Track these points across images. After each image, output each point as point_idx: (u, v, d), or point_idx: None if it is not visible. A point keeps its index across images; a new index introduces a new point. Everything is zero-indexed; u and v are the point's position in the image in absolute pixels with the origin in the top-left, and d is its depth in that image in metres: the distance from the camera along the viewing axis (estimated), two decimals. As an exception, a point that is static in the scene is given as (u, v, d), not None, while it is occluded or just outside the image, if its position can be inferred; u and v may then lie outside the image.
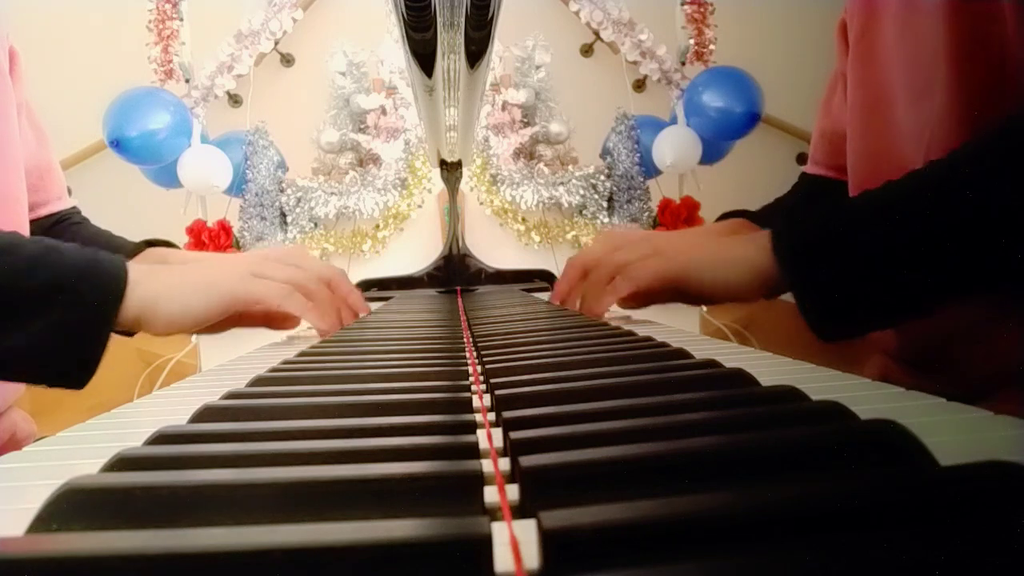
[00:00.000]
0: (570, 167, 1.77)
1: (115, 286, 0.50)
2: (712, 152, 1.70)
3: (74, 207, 0.81)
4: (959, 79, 0.52)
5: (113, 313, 0.49)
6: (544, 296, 0.96)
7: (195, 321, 0.54)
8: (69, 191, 0.85)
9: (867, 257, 0.47)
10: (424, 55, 0.53)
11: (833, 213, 0.51)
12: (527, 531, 0.16)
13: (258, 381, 0.36)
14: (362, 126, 1.74)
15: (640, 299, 0.63)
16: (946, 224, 0.45)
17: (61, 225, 0.77)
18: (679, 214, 1.72)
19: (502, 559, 0.15)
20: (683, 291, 0.57)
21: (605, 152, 1.78)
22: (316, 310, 0.59)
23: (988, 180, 0.45)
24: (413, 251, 1.67)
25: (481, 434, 0.24)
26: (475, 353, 0.44)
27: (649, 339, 0.43)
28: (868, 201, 0.51)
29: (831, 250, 0.49)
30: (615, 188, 1.74)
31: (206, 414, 0.28)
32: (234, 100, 1.85)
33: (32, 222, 0.72)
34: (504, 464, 0.21)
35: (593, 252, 0.65)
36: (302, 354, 0.47)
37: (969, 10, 0.51)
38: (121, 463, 0.21)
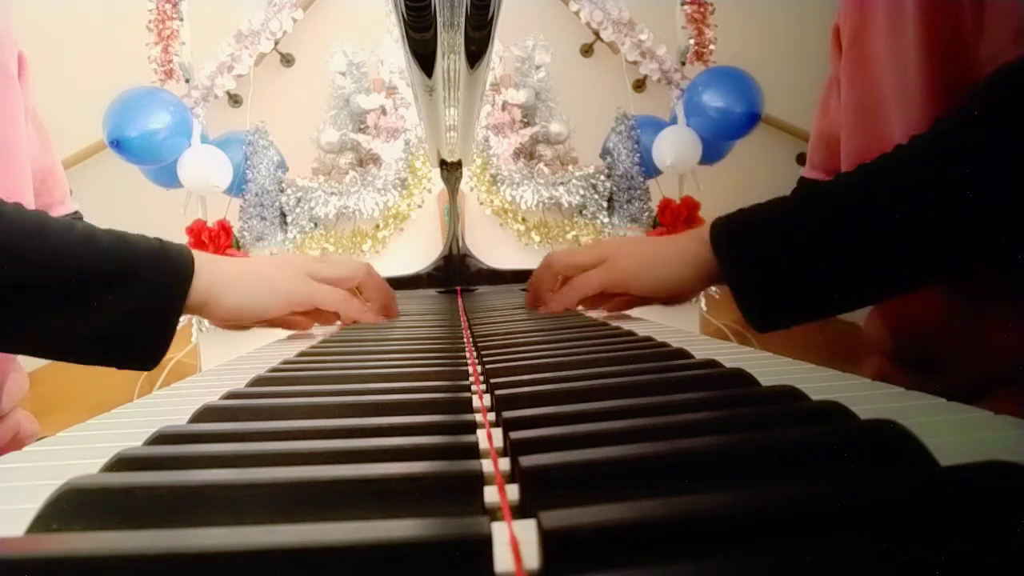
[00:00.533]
0: (570, 167, 1.77)
1: (183, 272, 0.52)
2: (712, 152, 1.70)
3: (76, 211, 0.80)
4: (933, 85, 0.53)
5: (182, 298, 0.51)
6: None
7: (254, 314, 0.57)
8: (69, 192, 0.85)
9: (802, 247, 0.49)
10: (424, 55, 0.53)
11: (772, 204, 0.53)
12: (527, 531, 0.16)
13: (258, 381, 0.36)
14: (362, 126, 1.74)
15: (610, 306, 0.66)
16: (876, 218, 0.47)
17: None
18: (679, 214, 1.71)
19: (502, 559, 0.15)
20: (635, 295, 0.61)
21: (605, 152, 1.78)
22: (370, 313, 0.63)
23: (916, 180, 0.46)
24: (413, 251, 1.67)
25: (481, 434, 0.24)
26: (475, 353, 0.44)
27: (649, 339, 0.43)
28: (807, 193, 0.53)
29: (766, 239, 0.50)
30: (615, 188, 1.74)
31: (206, 414, 0.28)
32: (234, 100, 1.85)
33: None
34: (504, 464, 0.21)
35: (548, 258, 0.69)
36: (302, 354, 0.47)
37: (937, 16, 0.52)
38: (121, 463, 0.21)
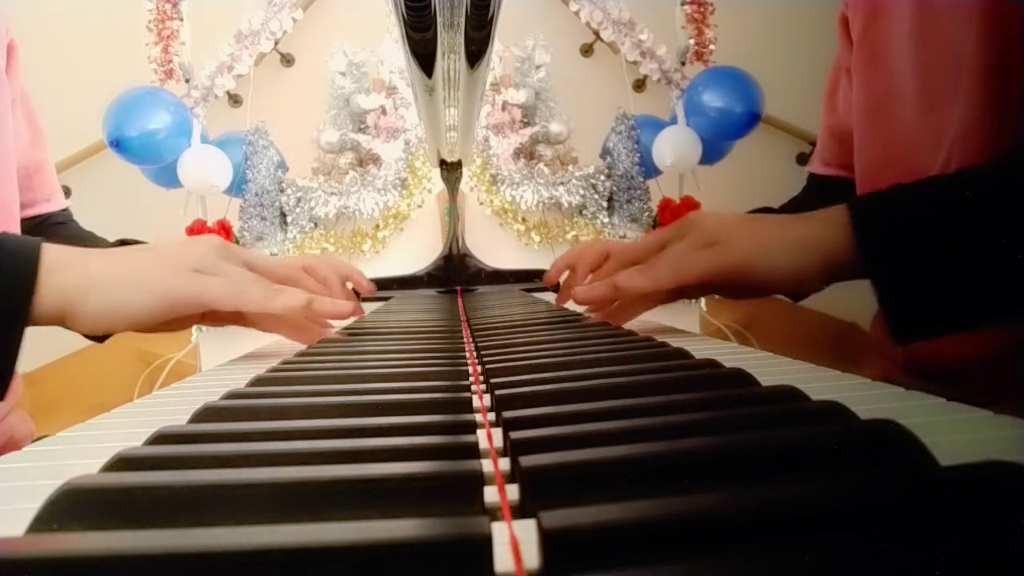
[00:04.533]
0: (570, 167, 1.77)
1: (24, 272, 0.42)
2: (712, 152, 1.70)
3: (64, 209, 0.79)
4: (990, 88, 0.49)
5: (24, 305, 0.42)
6: (544, 296, 0.96)
7: (128, 322, 0.47)
8: (68, 192, 0.84)
9: (963, 240, 0.40)
10: (424, 55, 0.53)
11: (923, 187, 0.44)
12: (527, 531, 0.16)
13: (258, 381, 0.36)
14: (362, 126, 1.74)
15: (669, 294, 0.55)
16: None
17: (41, 227, 0.75)
18: (679, 214, 1.71)
19: (502, 559, 0.15)
20: (736, 283, 0.50)
21: (605, 152, 1.78)
22: (281, 296, 0.49)
23: None
24: (413, 251, 1.67)
25: (481, 434, 0.24)
26: (475, 353, 0.44)
27: (649, 339, 0.43)
28: (967, 177, 0.44)
29: (921, 228, 0.41)
30: (615, 188, 1.74)
31: (206, 414, 0.28)
32: (234, 100, 1.85)
33: None
34: (504, 464, 0.21)
35: (619, 243, 0.56)
36: (302, 354, 0.47)
37: (1002, 17, 0.48)
38: (121, 463, 0.21)
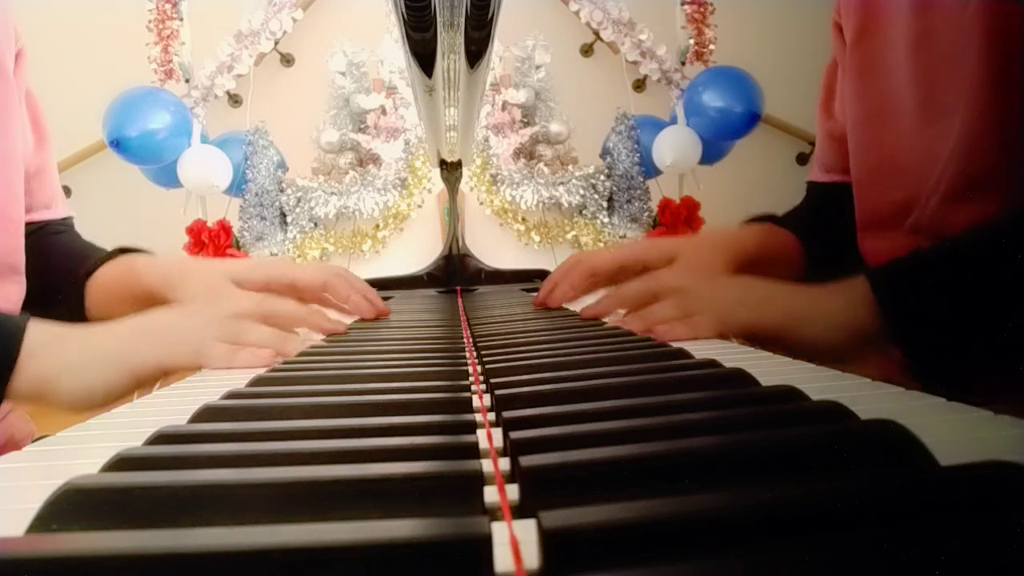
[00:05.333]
0: (570, 167, 1.77)
1: (3, 357, 0.44)
2: (712, 152, 1.70)
3: (66, 218, 0.78)
4: (990, 98, 0.49)
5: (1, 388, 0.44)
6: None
7: (100, 397, 0.48)
8: (69, 192, 0.82)
9: (983, 296, 0.43)
10: (424, 55, 0.53)
11: (938, 257, 0.47)
12: (527, 531, 0.16)
13: (258, 381, 0.36)
14: (362, 126, 1.74)
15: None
16: None
17: (39, 234, 0.73)
18: (679, 214, 1.72)
19: (502, 559, 0.15)
20: (768, 341, 0.52)
21: (605, 152, 1.78)
22: (242, 353, 0.49)
23: None
24: (413, 251, 1.67)
25: (481, 434, 0.24)
26: (475, 353, 0.44)
27: (649, 339, 0.43)
28: (976, 241, 0.47)
29: (942, 299, 0.44)
30: (615, 188, 1.74)
31: (206, 414, 0.28)
32: (234, 100, 1.85)
33: None
34: (504, 464, 0.21)
35: (659, 275, 0.56)
36: (302, 354, 0.47)
37: (1003, 25, 0.48)
38: (121, 463, 0.21)
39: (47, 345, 0.47)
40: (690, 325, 0.51)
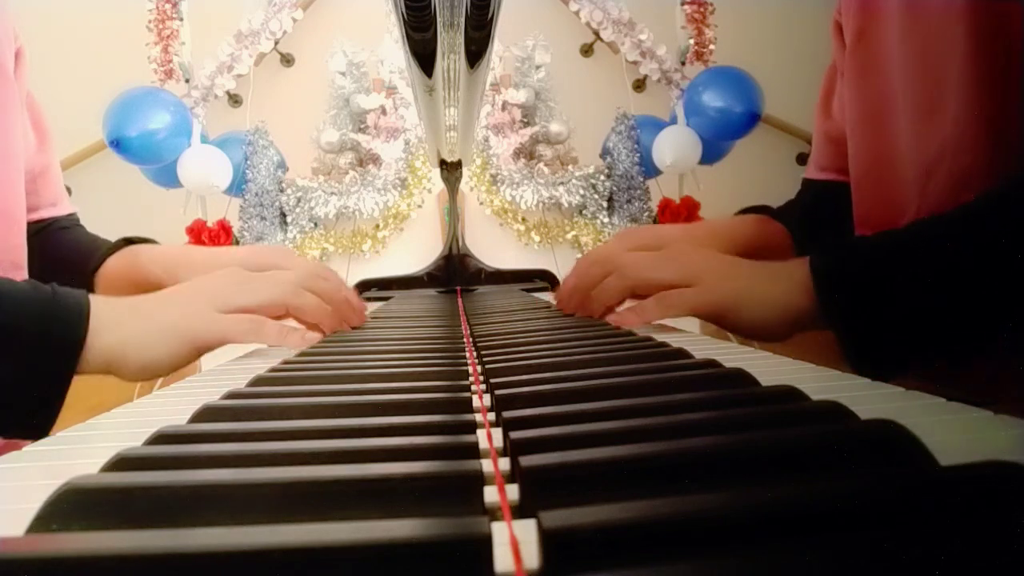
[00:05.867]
0: (570, 167, 1.77)
1: (73, 337, 0.46)
2: (712, 152, 1.70)
3: (71, 214, 0.78)
4: (978, 94, 0.50)
5: (71, 365, 0.46)
6: (544, 296, 0.96)
7: (166, 368, 0.51)
8: (69, 192, 0.83)
9: (917, 296, 0.44)
10: (424, 55, 0.53)
11: (877, 248, 0.48)
12: (527, 531, 0.16)
13: (258, 381, 0.36)
14: (362, 126, 1.74)
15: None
16: (998, 261, 0.42)
17: (47, 231, 0.74)
18: (679, 214, 1.72)
19: (502, 559, 0.15)
20: (715, 321, 0.54)
21: (605, 152, 1.78)
22: (293, 334, 0.54)
23: None
24: (413, 251, 1.67)
25: (481, 434, 0.24)
26: (475, 353, 0.44)
27: (649, 339, 0.43)
28: (916, 234, 0.48)
29: (878, 289, 0.45)
30: (615, 188, 1.74)
31: (206, 414, 0.28)
32: (234, 100, 1.85)
33: None
34: (504, 464, 0.21)
35: (618, 257, 0.59)
36: (302, 354, 0.47)
37: (992, 20, 0.49)
38: (121, 463, 0.21)
39: (113, 321, 0.48)
40: (639, 314, 0.54)
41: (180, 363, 0.52)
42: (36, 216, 0.75)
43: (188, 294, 0.54)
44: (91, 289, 0.68)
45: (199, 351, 0.52)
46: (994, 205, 0.45)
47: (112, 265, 0.69)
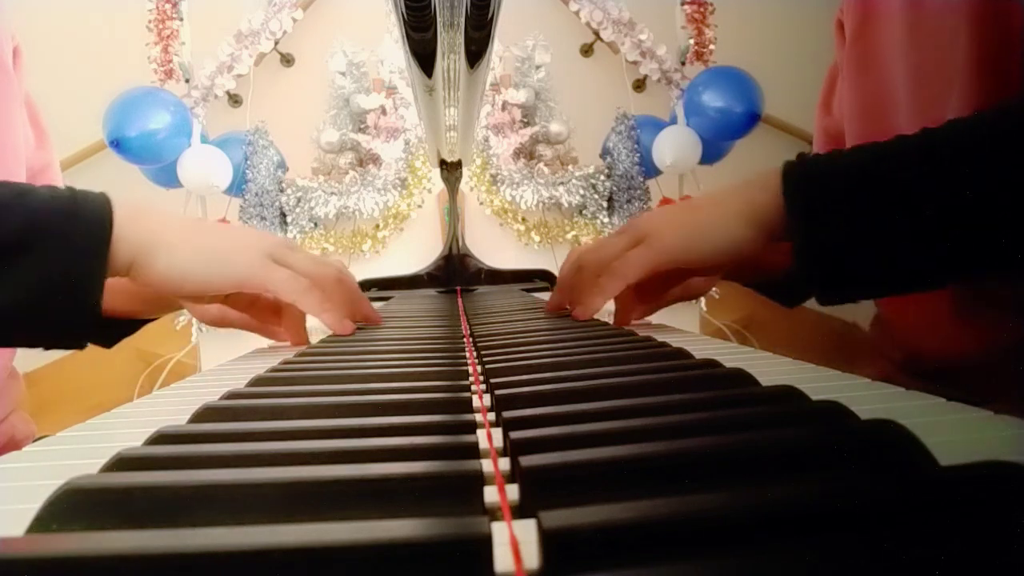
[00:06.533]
0: (570, 167, 1.77)
1: (99, 232, 0.44)
2: (712, 152, 1.70)
3: None
4: (977, 89, 0.49)
5: (102, 257, 0.44)
6: (544, 296, 0.96)
7: (195, 286, 0.49)
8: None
9: (887, 209, 0.42)
10: (424, 55, 0.53)
11: (848, 158, 0.45)
12: (527, 531, 0.16)
13: (258, 381, 0.36)
14: (362, 126, 1.74)
15: (644, 299, 0.58)
16: (972, 191, 0.40)
17: None
18: (679, 214, 1.72)
19: (502, 559, 0.15)
20: (684, 271, 0.51)
21: (605, 152, 1.78)
22: (333, 311, 0.54)
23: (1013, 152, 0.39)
24: (413, 251, 1.67)
25: (481, 434, 0.24)
26: (475, 353, 0.44)
27: (649, 339, 0.43)
28: (888, 150, 0.45)
29: (848, 193, 0.43)
30: (615, 188, 1.74)
31: (206, 414, 0.28)
32: (234, 100, 1.85)
33: None
34: (504, 464, 0.21)
35: (575, 254, 0.59)
36: (302, 354, 0.47)
37: (993, 16, 0.49)
38: (121, 463, 0.21)
39: (138, 216, 0.46)
40: (596, 294, 0.52)
41: (208, 287, 0.49)
42: None
43: (246, 231, 0.53)
44: None
45: (241, 285, 0.50)
46: (996, 120, 0.43)
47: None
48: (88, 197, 0.45)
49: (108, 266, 0.45)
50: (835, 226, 0.42)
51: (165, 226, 0.47)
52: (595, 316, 0.57)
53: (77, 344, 0.45)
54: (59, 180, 0.78)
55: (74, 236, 0.43)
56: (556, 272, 1.17)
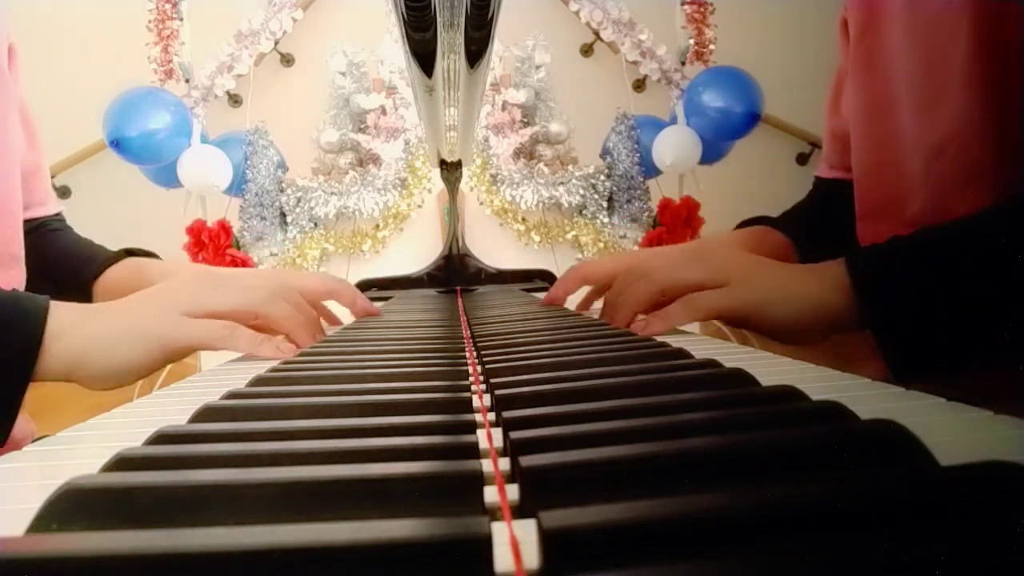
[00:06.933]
0: (570, 167, 1.77)
1: (28, 341, 0.44)
2: (712, 152, 1.70)
3: (57, 213, 0.79)
4: (979, 87, 0.50)
5: (26, 371, 0.44)
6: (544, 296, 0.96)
7: (132, 374, 0.49)
8: (69, 192, 0.84)
9: (957, 286, 0.44)
10: (424, 55, 0.53)
11: (917, 244, 0.47)
12: (527, 531, 0.16)
13: (258, 381, 0.36)
14: (362, 126, 1.74)
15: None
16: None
17: (38, 232, 0.75)
18: (679, 214, 1.72)
19: (502, 559, 0.15)
20: (743, 324, 0.52)
21: (605, 152, 1.78)
22: (267, 344, 0.51)
23: None
24: (413, 251, 1.67)
25: (481, 434, 0.24)
26: (475, 353, 0.44)
27: (649, 339, 0.43)
28: (953, 229, 0.47)
29: (917, 279, 0.44)
30: (615, 188, 1.74)
31: (206, 414, 0.28)
32: (234, 100, 1.85)
33: None
34: (504, 464, 0.21)
35: (634, 258, 0.58)
36: (302, 354, 0.47)
37: (993, 16, 0.49)
38: (121, 463, 0.21)
39: (73, 324, 0.46)
40: (663, 319, 0.52)
41: (146, 369, 0.49)
42: (28, 215, 0.75)
43: (155, 297, 0.51)
44: (90, 297, 0.68)
45: (167, 357, 0.49)
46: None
47: (115, 276, 0.69)
48: (23, 307, 0.45)
49: (36, 377, 0.45)
50: (911, 317, 0.44)
51: (91, 333, 0.47)
52: (590, 314, 0.57)
53: None
54: (48, 183, 0.78)
55: (1, 347, 0.43)
56: (556, 272, 1.17)
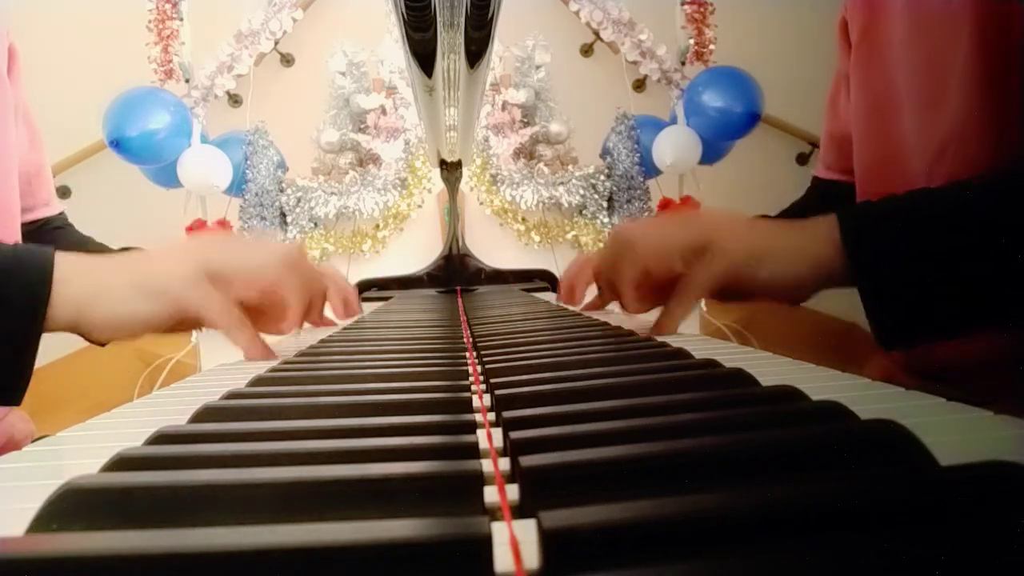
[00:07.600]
0: (570, 167, 1.77)
1: (39, 283, 0.43)
2: (712, 152, 1.70)
3: (60, 213, 0.79)
4: (979, 87, 0.50)
5: (39, 317, 0.43)
6: (544, 296, 0.96)
7: (139, 326, 0.47)
8: (68, 192, 0.84)
9: (948, 252, 0.42)
10: (424, 55, 0.53)
11: (912, 199, 0.46)
12: (527, 531, 0.16)
13: (258, 381, 0.36)
14: (362, 126, 1.74)
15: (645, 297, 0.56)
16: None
17: (41, 231, 0.75)
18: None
19: (502, 559, 0.15)
20: (740, 291, 0.51)
21: (605, 152, 1.78)
22: (257, 345, 0.51)
23: None
24: (413, 251, 1.67)
25: (481, 434, 0.24)
26: (475, 353, 0.44)
27: (649, 339, 0.43)
28: (956, 191, 0.46)
29: (908, 240, 0.43)
30: (615, 188, 1.74)
31: (206, 414, 0.28)
32: (234, 100, 1.85)
33: None
34: (504, 464, 0.21)
35: (623, 231, 0.56)
36: (302, 354, 0.47)
37: (993, 17, 0.49)
38: (121, 463, 0.21)
39: (81, 272, 0.45)
40: (671, 317, 0.51)
41: (154, 324, 0.47)
42: (32, 216, 0.75)
43: (174, 250, 0.49)
44: None
45: (176, 314, 0.47)
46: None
47: None
48: (30, 256, 0.44)
49: (45, 326, 0.43)
50: (899, 274, 0.43)
51: (101, 277, 0.46)
52: (592, 313, 0.57)
53: (9, 401, 0.44)
54: (51, 183, 0.79)
55: (10, 296, 0.42)
56: (556, 272, 1.17)
